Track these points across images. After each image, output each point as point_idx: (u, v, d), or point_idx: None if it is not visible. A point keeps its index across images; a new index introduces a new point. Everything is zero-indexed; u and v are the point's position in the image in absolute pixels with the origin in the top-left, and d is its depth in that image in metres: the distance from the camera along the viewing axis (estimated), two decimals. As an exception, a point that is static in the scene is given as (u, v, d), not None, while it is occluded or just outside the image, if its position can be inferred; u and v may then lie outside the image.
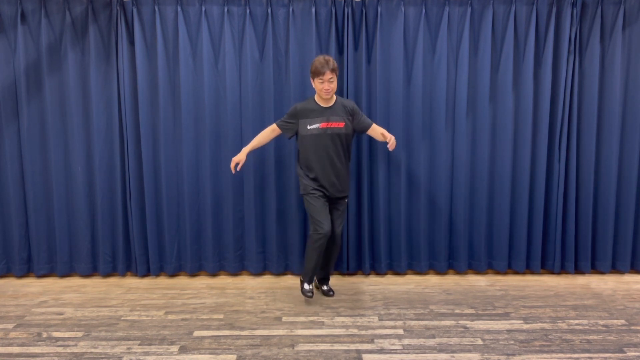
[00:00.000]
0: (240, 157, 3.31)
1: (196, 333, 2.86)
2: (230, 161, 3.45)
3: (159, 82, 3.59)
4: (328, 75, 3.06)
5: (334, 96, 3.24)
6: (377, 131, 3.32)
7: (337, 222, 3.31)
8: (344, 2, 3.57)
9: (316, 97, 3.23)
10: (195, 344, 2.72)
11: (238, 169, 3.33)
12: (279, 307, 3.23)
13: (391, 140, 3.18)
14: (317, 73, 3.08)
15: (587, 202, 3.75)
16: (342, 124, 3.19)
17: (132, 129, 3.65)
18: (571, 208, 3.74)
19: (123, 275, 3.85)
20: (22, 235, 3.76)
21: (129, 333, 2.87)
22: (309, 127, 3.17)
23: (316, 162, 3.18)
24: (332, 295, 3.40)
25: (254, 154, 3.65)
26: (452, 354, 2.60)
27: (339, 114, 3.20)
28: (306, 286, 3.26)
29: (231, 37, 3.58)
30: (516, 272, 3.89)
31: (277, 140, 3.59)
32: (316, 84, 3.13)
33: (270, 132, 3.34)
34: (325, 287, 3.45)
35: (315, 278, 3.47)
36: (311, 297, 3.24)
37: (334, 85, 3.12)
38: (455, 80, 3.66)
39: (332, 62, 3.08)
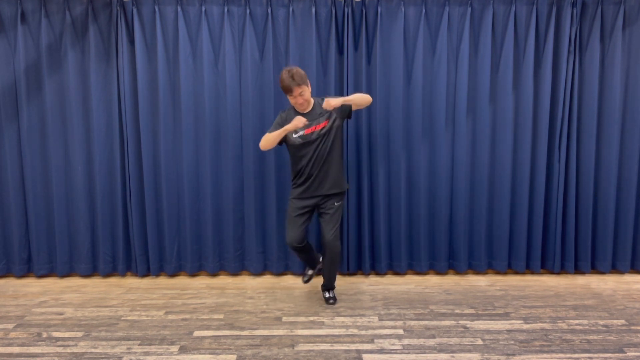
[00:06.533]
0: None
1: (196, 333, 2.86)
2: (229, 160, 3.46)
3: (159, 82, 3.59)
4: (297, 90, 3.00)
5: (311, 100, 3.17)
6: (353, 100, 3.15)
7: (327, 227, 3.13)
8: (344, 2, 3.57)
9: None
10: (195, 344, 2.72)
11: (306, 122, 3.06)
12: (279, 307, 3.23)
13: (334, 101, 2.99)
14: (286, 91, 3.04)
15: (587, 202, 3.75)
16: (325, 123, 3.13)
17: (132, 129, 3.65)
18: (571, 208, 3.74)
19: (123, 275, 3.85)
20: (22, 235, 3.76)
21: (129, 333, 2.87)
22: (294, 136, 3.12)
23: (307, 166, 3.13)
24: (333, 304, 3.29)
25: (253, 153, 3.66)
26: (452, 354, 2.60)
27: (320, 114, 3.16)
28: (306, 270, 3.50)
29: (231, 37, 3.58)
30: (516, 272, 3.89)
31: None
32: (289, 99, 3.09)
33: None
34: (326, 295, 3.35)
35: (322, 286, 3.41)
36: (304, 281, 3.46)
37: (306, 96, 3.06)
38: (455, 80, 3.66)
39: (297, 74, 2.97)
